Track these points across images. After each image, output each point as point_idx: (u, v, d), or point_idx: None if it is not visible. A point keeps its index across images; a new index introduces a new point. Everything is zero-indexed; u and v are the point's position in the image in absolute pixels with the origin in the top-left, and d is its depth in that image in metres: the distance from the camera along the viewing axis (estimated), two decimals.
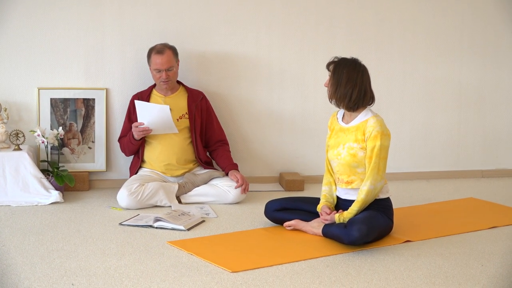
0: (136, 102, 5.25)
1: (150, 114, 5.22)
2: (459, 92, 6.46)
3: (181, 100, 5.51)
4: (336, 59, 4.42)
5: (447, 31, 6.37)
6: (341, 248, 4.19)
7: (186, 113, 5.47)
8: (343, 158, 4.37)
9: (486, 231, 4.65)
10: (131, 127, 5.35)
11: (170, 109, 5.20)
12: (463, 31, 6.40)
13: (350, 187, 4.40)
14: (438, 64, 6.38)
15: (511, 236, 4.54)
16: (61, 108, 5.62)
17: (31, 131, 5.41)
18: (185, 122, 5.46)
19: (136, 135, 5.28)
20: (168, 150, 5.40)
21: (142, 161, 5.46)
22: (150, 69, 5.43)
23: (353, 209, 4.30)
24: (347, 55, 4.50)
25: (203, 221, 4.78)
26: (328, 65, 4.44)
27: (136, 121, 5.30)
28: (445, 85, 6.43)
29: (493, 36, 6.48)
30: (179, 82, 5.59)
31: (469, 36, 6.42)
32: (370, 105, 4.41)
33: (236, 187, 5.30)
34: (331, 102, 4.43)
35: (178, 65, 5.48)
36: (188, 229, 4.54)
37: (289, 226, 4.57)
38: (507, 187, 6.15)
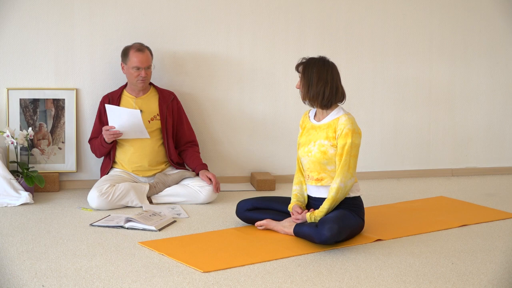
0: (107, 106, 5.22)
1: (120, 118, 5.19)
2: (429, 91, 6.51)
3: (152, 101, 5.49)
4: (304, 60, 4.43)
5: (417, 31, 6.41)
6: (312, 247, 4.20)
7: (158, 114, 5.45)
8: (313, 155, 4.37)
9: (456, 230, 4.69)
10: (102, 129, 5.32)
11: (141, 112, 5.19)
12: (432, 31, 6.44)
13: (320, 184, 4.41)
14: (408, 63, 6.42)
15: (480, 234, 4.58)
16: (31, 108, 5.57)
17: (0, 132, 5.36)
18: (157, 124, 5.44)
19: (107, 138, 5.25)
20: (140, 152, 5.37)
21: (113, 161, 5.43)
22: (124, 67, 5.41)
23: (324, 208, 4.31)
24: (318, 54, 4.50)
25: (175, 221, 4.77)
26: (297, 67, 4.44)
27: (107, 123, 5.28)
28: (415, 84, 6.47)
29: (461, 36, 6.53)
30: (150, 83, 5.56)
31: (439, 36, 6.46)
32: (342, 101, 4.43)
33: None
34: (304, 103, 4.43)
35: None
36: (160, 230, 4.53)
37: (261, 226, 4.57)
38: (477, 186, 6.20)
